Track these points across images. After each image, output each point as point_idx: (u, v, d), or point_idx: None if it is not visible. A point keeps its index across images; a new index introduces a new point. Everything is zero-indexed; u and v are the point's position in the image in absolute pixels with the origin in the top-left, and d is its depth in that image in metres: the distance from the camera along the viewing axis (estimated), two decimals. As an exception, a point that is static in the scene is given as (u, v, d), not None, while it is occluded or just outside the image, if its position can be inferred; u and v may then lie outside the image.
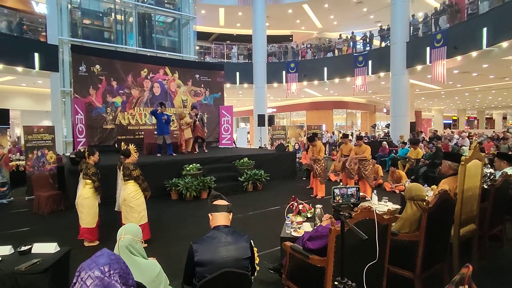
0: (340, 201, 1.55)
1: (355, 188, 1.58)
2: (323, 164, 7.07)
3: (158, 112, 8.29)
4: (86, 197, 4.14)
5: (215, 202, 2.03)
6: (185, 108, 11.18)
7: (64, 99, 10.86)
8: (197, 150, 9.26)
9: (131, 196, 4.05)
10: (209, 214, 1.99)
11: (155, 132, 8.75)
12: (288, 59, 16.55)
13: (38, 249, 2.66)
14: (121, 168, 4.21)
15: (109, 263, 1.62)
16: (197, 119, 9.20)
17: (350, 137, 18.69)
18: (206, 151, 9.46)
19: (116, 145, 9.38)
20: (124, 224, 4.14)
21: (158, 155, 8.33)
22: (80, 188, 4.22)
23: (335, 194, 1.56)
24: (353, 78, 14.25)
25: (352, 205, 1.59)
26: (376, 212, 1.91)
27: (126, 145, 4.52)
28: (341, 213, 1.48)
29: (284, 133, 14.28)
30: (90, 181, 4.15)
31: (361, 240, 1.94)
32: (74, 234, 4.28)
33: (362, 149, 6.92)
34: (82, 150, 4.45)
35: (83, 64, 9.32)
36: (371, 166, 6.91)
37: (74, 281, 1.58)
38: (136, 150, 4.38)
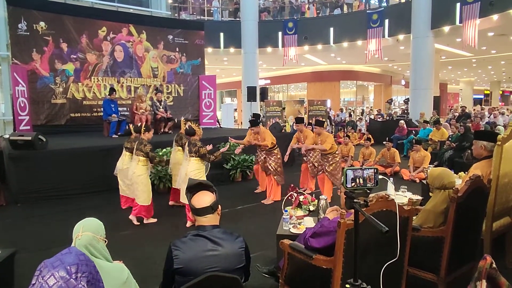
0: (354, 186, 1.54)
1: (372, 170, 1.57)
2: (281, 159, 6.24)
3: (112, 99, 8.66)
4: (139, 175, 4.83)
5: (194, 200, 1.85)
6: (155, 78, 10.99)
7: (0, 67, 10.52)
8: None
9: (193, 174, 4.61)
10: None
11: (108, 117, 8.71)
12: (285, 17, 16.29)
13: (-27, 252, 2.62)
14: (187, 143, 4.95)
15: (77, 263, 1.60)
16: (160, 107, 9.23)
17: (365, 116, 18.64)
18: (169, 132, 9.44)
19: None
20: (182, 204, 4.87)
21: (114, 136, 8.37)
22: (133, 165, 4.93)
23: (348, 177, 1.54)
24: (366, 42, 14.18)
25: (368, 191, 1.58)
26: (396, 202, 1.92)
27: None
28: (355, 200, 1.48)
29: (280, 110, 14.27)
30: (144, 158, 4.82)
31: (376, 236, 1.95)
32: (21, 235, 4.22)
33: (322, 138, 5.92)
34: (138, 124, 5.45)
35: (23, 21, 8.98)
36: (337, 159, 5.99)
37: (33, 281, 1.56)
38: (198, 126, 5.17)
